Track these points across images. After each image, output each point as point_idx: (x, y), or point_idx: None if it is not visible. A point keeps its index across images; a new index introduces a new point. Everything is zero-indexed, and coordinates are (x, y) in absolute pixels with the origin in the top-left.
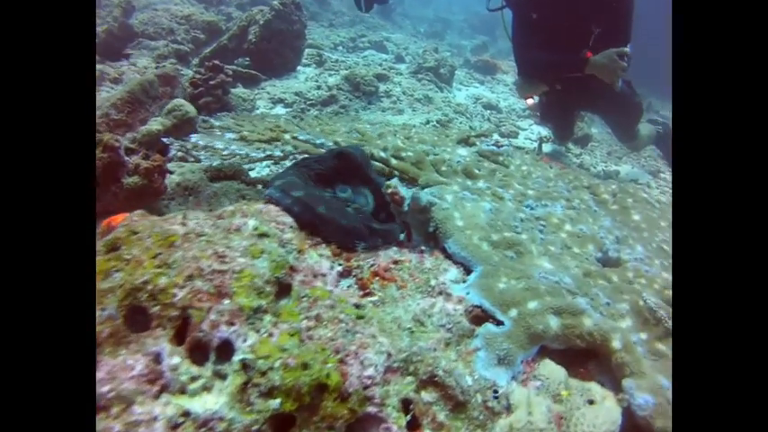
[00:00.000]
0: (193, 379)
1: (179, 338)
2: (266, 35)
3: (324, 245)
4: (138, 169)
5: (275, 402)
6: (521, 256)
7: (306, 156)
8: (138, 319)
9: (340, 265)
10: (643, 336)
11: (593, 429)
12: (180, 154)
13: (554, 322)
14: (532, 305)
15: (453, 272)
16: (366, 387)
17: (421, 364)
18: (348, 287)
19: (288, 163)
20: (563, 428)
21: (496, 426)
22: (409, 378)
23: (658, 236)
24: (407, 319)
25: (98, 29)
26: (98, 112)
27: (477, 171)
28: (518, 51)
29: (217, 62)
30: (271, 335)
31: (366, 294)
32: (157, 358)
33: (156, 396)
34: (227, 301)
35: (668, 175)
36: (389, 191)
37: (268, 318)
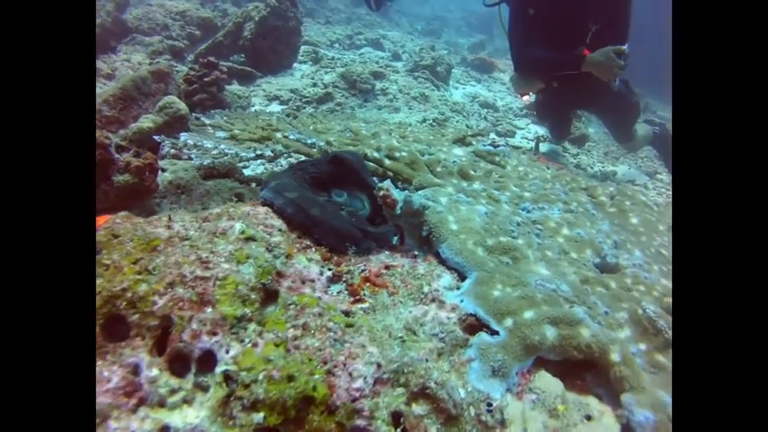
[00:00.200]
0: (173, 392)
1: (159, 348)
2: (262, 32)
3: (313, 249)
4: (129, 167)
5: (259, 416)
6: (517, 261)
7: (302, 159)
8: (116, 327)
9: (330, 269)
10: (642, 346)
11: None
12: (173, 151)
13: (551, 333)
14: (529, 314)
15: (447, 278)
16: (354, 399)
17: (412, 375)
18: (338, 293)
19: (282, 161)
20: None
21: None
22: (400, 390)
23: (656, 240)
24: (399, 328)
25: None
26: None
27: (472, 172)
28: (514, 48)
29: (212, 59)
30: (255, 345)
31: (356, 301)
32: (135, 370)
33: (134, 410)
34: (209, 310)
35: (665, 177)
36: (381, 193)
37: (252, 327)
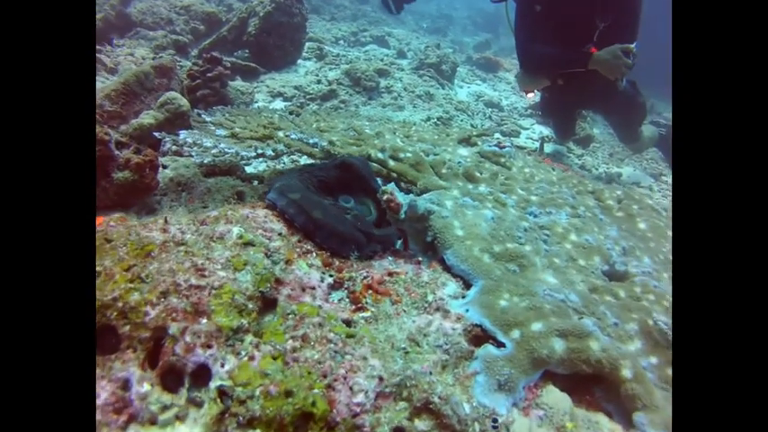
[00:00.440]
0: (165, 408)
1: (151, 362)
2: (266, 27)
3: (314, 254)
4: (129, 164)
5: None
6: (524, 269)
7: (305, 157)
8: (106, 339)
9: (331, 276)
10: (653, 360)
11: None
12: (174, 148)
13: (559, 346)
14: (536, 326)
15: (452, 286)
16: (355, 415)
17: (415, 389)
18: (339, 300)
19: (286, 160)
20: None
21: None
22: (402, 404)
23: (665, 246)
24: (402, 339)
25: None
26: None
27: (478, 174)
28: (520, 44)
29: (215, 54)
30: (252, 358)
31: (358, 309)
32: (125, 385)
33: (123, 427)
34: (204, 321)
35: (670, 179)
36: (385, 197)
37: (249, 338)
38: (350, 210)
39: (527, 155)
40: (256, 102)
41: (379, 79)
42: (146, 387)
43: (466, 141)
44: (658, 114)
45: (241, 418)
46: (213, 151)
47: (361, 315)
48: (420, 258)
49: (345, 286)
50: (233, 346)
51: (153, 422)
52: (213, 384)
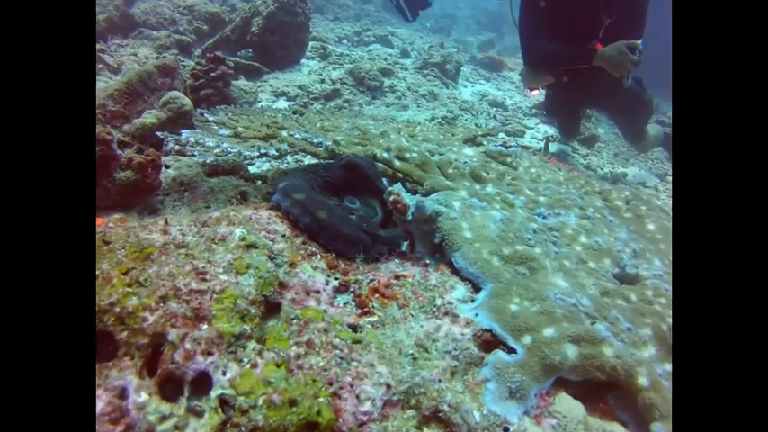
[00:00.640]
0: (164, 418)
1: (149, 370)
2: (269, 27)
3: (319, 256)
4: (132, 164)
5: None
6: (534, 272)
7: (309, 157)
8: (103, 345)
9: (336, 279)
10: (668, 367)
11: None
12: (177, 147)
13: (572, 352)
14: (548, 332)
15: (461, 289)
16: (362, 424)
17: (424, 396)
18: (344, 304)
19: (289, 159)
20: None
21: None
22: (410, 413)
23: None
24: (410, 344)
25: (98, 17)
26: None
27: (485, 174)
28: (524, 41)
29: (218, 53)
30: (254, 365)
31: (364, 313)
32: (122, 393)
33: None
34: (205, 327)
35: None
36: (392, 198)
37: (252, 345)
38: (355, 211)
39: (532, 155)
40: (260, 101)
41: (382, 79)
42: (143, 396)
43: (471, 141)
44: (663, 114)
45: (243, 429)
46: (216, 151)
47: (367, 320)
48: (427, 261)
49: (351, 290)
50: (235, 353)
51: None
52: (214, 393)
